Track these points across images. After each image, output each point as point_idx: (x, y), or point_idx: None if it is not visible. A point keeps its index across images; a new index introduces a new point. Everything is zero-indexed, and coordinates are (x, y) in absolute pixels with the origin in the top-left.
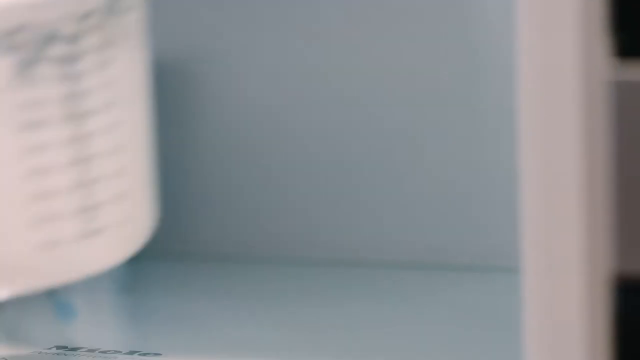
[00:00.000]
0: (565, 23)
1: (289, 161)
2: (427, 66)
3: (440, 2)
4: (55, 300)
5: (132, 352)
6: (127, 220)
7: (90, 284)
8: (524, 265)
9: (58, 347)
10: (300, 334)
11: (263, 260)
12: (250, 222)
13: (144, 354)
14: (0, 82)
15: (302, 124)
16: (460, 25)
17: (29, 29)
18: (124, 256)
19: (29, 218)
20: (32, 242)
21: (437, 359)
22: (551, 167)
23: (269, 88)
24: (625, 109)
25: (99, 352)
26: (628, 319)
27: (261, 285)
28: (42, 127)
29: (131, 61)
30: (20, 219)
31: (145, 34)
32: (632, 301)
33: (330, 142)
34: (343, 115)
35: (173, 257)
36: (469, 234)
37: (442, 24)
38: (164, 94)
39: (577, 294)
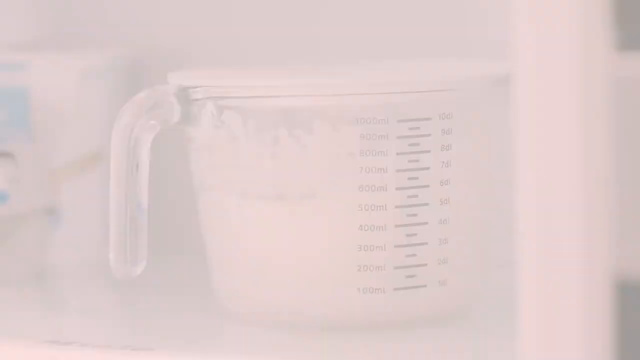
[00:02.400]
0: (565, 16)
1: None
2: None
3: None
4: None
5: (124, 347)
6: (443, 281)
7: (82, 278)
8: (522, 266)
9: (50, 342)
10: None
11: None
12: None
13: (136, 349)
14: (349, 147)
15: None
16: (456, 20)
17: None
18: (436, 313)
19: (355, 266)
20: (355, 287)
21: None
22: (550, 163)
23: None
24: (627, 104)
25: (91, 346)
26: (628, 319)
27: None
28: (377, 191)
29: (470, 148)
30: (348, 267)
31: (489, 126)
32: (632, 301)
33: None
34: None
35: (166, 252)
36: None
37: (439, 22)
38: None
39: (576, 295)
